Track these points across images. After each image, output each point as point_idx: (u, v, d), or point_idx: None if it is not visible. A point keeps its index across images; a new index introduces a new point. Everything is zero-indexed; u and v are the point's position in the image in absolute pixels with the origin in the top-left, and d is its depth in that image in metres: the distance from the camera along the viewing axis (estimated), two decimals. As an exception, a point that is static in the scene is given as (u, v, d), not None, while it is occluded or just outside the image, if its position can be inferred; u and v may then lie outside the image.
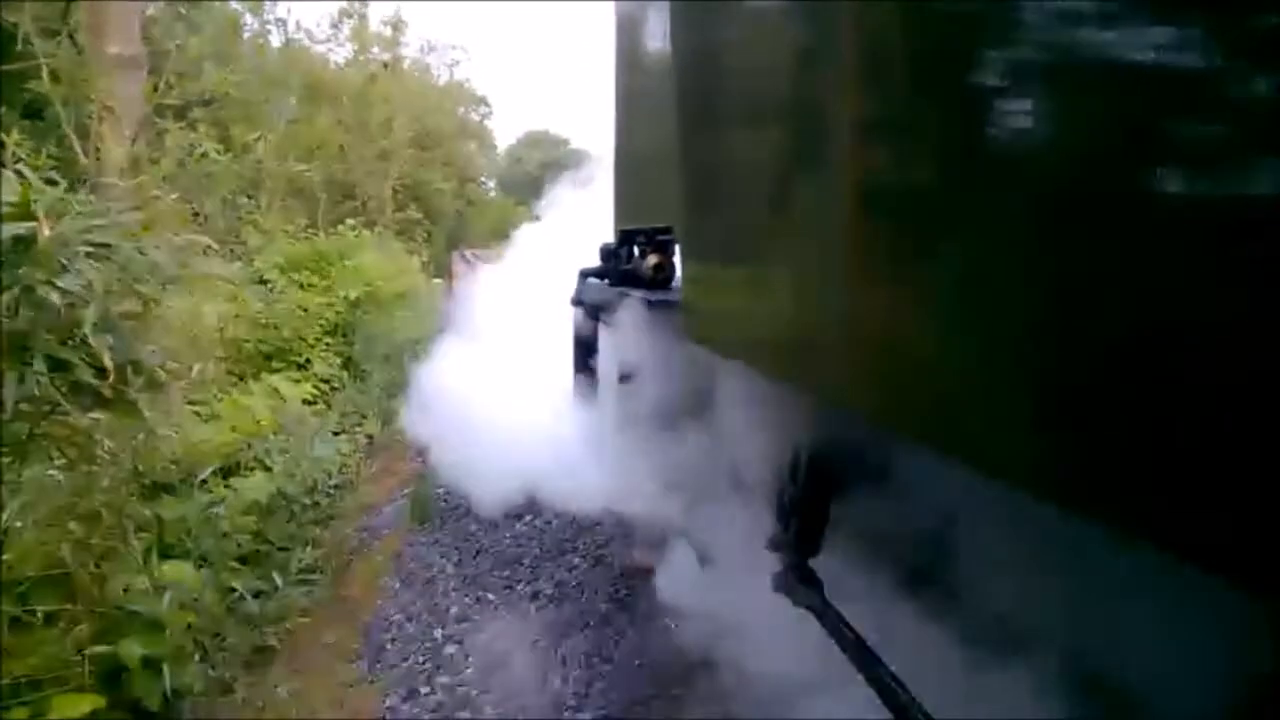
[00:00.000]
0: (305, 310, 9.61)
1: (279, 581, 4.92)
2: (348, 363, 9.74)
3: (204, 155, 6.14)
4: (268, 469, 6.64)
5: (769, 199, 2.25)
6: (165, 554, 5.20)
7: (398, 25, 25.82)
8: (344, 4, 23.44)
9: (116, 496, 4.84)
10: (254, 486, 5.57)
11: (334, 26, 22.97)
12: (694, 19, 2.86)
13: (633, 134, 4.47)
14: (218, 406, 6.93)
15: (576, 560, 4.71)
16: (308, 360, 9.18)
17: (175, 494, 5.58)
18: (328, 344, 9.59)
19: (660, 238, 4.25)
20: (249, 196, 14.37)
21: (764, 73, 2.23)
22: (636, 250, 4.59)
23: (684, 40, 3.00)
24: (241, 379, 8.57)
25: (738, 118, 2.50)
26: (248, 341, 8.86)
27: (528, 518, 5.49)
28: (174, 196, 10.68)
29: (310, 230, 13.16)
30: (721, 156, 2.66)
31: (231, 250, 11.58)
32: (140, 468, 5.10)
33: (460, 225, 30.12)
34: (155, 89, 7.91)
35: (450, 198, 29.40)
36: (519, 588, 4.71)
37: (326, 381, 9.06)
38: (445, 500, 6.29)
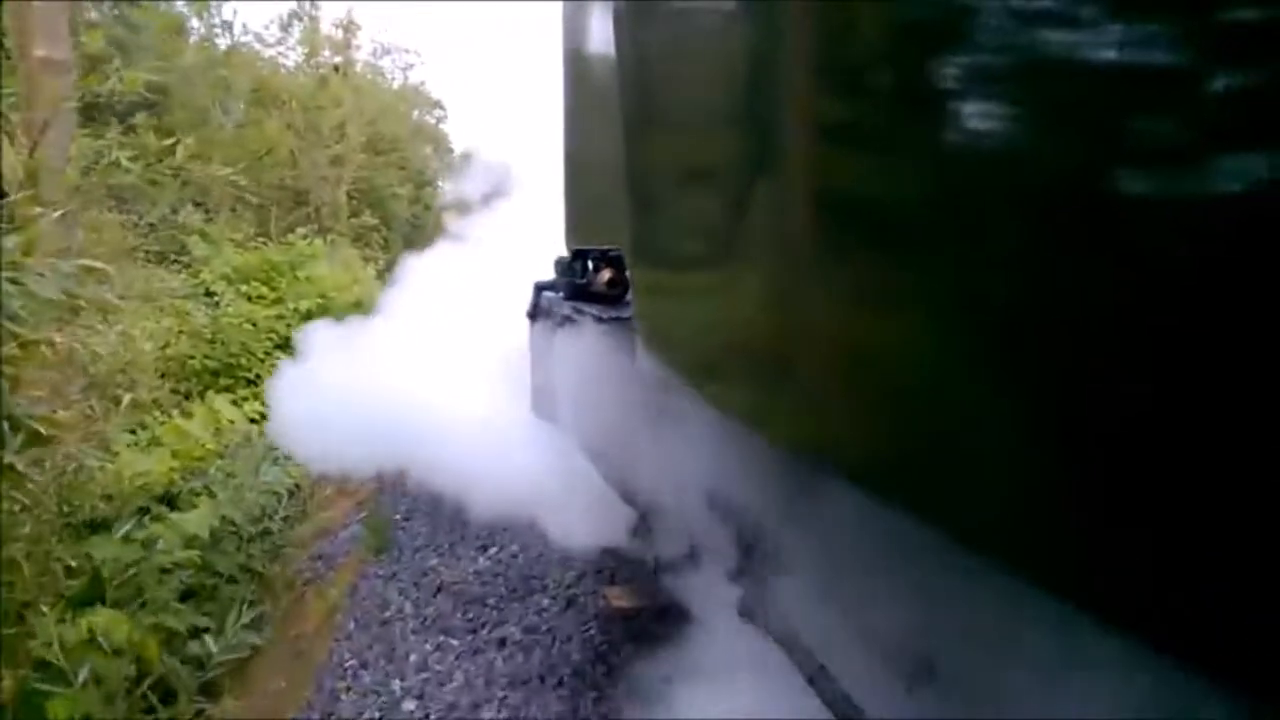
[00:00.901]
0: (254, 324, 9.09)
1: (213, 649, 4.43)
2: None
3: (113, 164, 5.58)
4: (213, 495, 6.17)
5: (717, 206, 2.16)
6: (98, 598, 4.74)
7: (349, 28, 25.09)
8: (294, 6, 22.75)
9: (38, 544, 4.37)
10: (195, 520, 5.08)
11: (284, 29, 22.29)
12: (638, 23, 2.79)
13: (582, 150, 4.34)
14: (159, 430, 6.43)
15: (546, 601, 4.27)
16: (257, 376, 8.66)
17: (111, 531, 5.09)
18: (279, 358, 9.05)
19: (613, 253, 4.13)
20: (198, 204, 13.75)
21: (711, 75, 2.15)
22: (591, 265, 4.49)
23: (629, 42, 2.93)
24: (187, 397, 8.05)
25: (685, 120, 2.43)
26: (193, 358, 8.33)
27: (492, 550, 5.05)
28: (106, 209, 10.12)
29: (261, 239, 12.57)
30: (668, 160, 2.59)
31: (175, 262, 11.00)
32: (66, 509, 4.62)
33: (416, 230, 29.50)
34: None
35: (406, 203, 28.66)
36: (484, 632, 4.27)
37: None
38: (404, 528, 5.83)
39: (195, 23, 15.54)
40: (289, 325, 9.46)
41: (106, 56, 13.89)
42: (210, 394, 8.14)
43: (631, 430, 3.46)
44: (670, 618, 3.44)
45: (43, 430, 3.54)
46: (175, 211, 11.89)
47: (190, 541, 5.25)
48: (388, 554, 5.44)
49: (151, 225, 12.78)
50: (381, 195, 26.05)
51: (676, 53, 2.46)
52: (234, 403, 7.41)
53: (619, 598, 3.92)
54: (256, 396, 8.11)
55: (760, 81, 1.85)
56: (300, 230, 12.25)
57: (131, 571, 4.94)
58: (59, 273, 3.58)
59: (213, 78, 13.13)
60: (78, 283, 3.80)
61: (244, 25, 20.52)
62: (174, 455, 5.84)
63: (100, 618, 4.44)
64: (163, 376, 7.63)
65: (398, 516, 6.12)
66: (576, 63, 4.35)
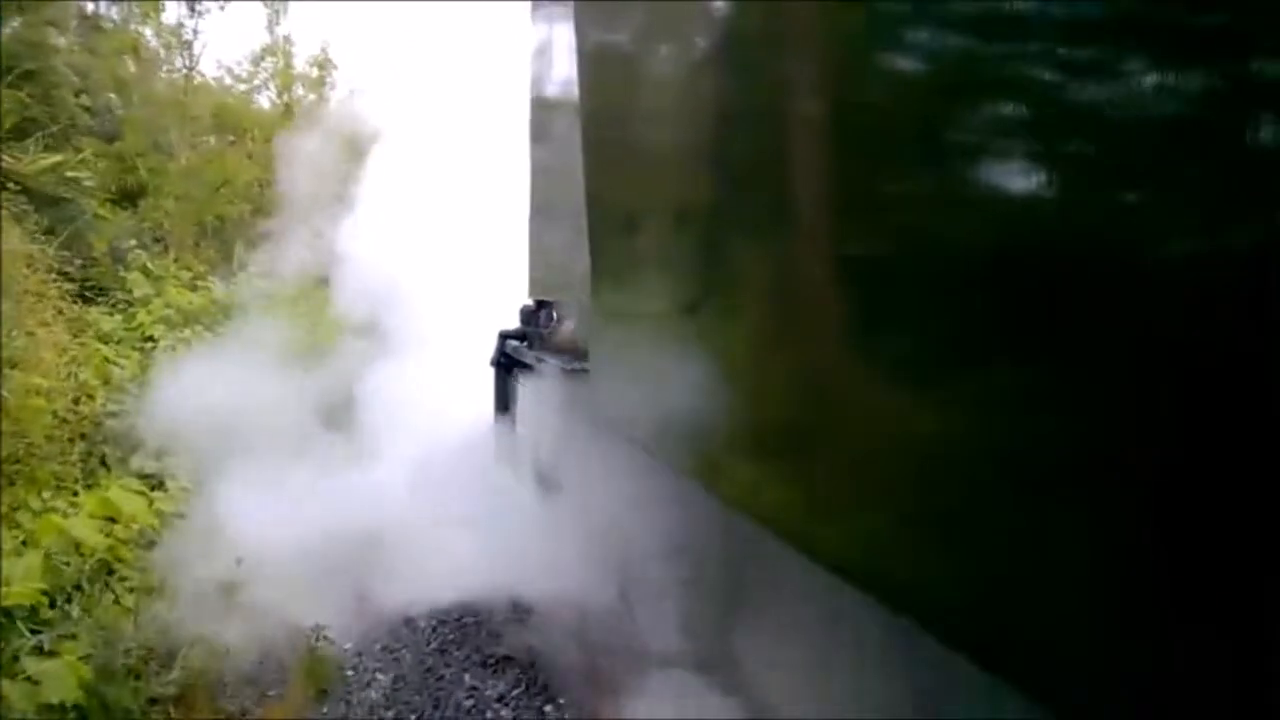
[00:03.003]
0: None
1: None
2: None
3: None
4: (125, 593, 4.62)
5: (684, 261, 2.00)
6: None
7: (324, 65, 23.73)
8: (267, 40, 21.32)
9: None
10: (55, 675, 3.48)
11: (255, 64, 20.76)
12: (603, 77, 2.65)
13: (545, 200, 4.19)
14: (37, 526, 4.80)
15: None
16: None
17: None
18: None
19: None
20: (158, 240, 12.22)
21: (677, 129, 2.02)
22: (555, 315, 4.36)
23: (593, 87, 2.75)
24: (106, 466, 6.42)
25: (651, 172, 2.23)
26: (114, 417, 6.69)
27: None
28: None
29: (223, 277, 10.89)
30: (631, 209, 2.42)
31: (121, 302, 9.41)
32: None
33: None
34: None
35: (377, 243, 27.20)
36: None
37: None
38: (355, 665, 4.26)
39: (160, 49, 14.04)
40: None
41: (65, 81, 12.53)
42: (136, 461, 6.53)
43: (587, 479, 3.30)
44: None
45: None
46: (127, 246, 10.39)
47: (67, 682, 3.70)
48: (330, 700, 3.90)
49: (94, 259, 11.27)
50: (351, 235, 24.58)
51: (642, 99, 2.29)
52: (141, 491, 5.73)
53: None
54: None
55: (739, 131, 1.66)
56: (253, 269, 10.55)
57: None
58: None
59: (169, 103, 11.61)
60: None
61: (217, 61, 18.97)
62: (50, 562, 4.21)
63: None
64: (70, 441, 6.05)
65: (348, 647, 4.52)
66: (542, 111, 4.22)
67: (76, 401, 6.35)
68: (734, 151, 1.67)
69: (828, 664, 1.71)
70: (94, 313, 9.03)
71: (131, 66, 12.46)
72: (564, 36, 3.46)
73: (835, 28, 1.36)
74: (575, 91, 3.04)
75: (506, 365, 5.07)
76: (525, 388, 4.67)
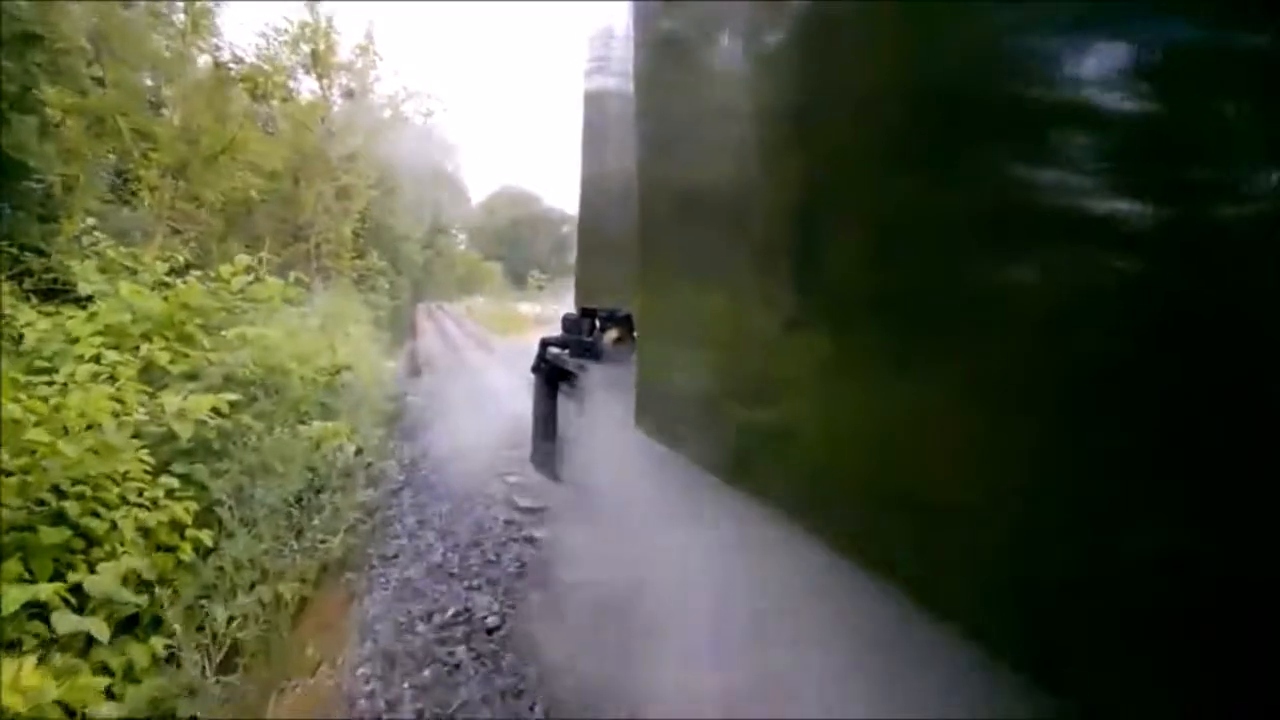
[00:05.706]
0: (127, 413, 4.44)
1: None
2: (207, 521, 4.52)
3: None
4: None
5: (737, 283, 1.83)
6: None
7: (367, 52, 21.03)
8: (307, 19, 18.66)
9: None
10: None
11: (292, 45, 17.99)
12: (660, 94, 2.43)
13: (596, 215, 3.92)
14: None
15: None
16: (114, 526, 3.97)
17: None
18: (167, 487, 4.36)
19: (620, 313, 3.74)
20: (177, 231, 9.45)
21: (731, 150, 1.83)
22: (598, 323, 4.18)
23: (649, 112, 2.51)
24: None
25: (712, 174, 1.99)
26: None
27: None
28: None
29: (197, 270, 7.89)
30: (686, 227, 2.19)
31: (83, 303, 6.50)
32: None
33: (427, 276, 25.28)
34: None
35: (419, 247, 24.50)
36: None
37: (148, 585, 3.79)
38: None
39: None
40: (205, 418, 4.80)
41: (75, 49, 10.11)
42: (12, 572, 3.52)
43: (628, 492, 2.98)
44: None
45: None
46: (84, 228, 7.59)
47: None
48: None
49: (58, 248, 8.58)
50: (391, 236, 21.94)
51: (705, 94, 2.02)
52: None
53: None
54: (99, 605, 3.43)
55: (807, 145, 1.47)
56: (240, 259, 7.27)
57: None
58: None
59: (162, 56, 8.74)
60: None
61: (255, 47, 16.23)
62: None
63: None
64: None
65: None
66: (594, 109, 3.91)
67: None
68: (817, 151, 1.43)
69: None
70: (29, 314, 6.13)
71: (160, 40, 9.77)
72: (621, 31, 3.27)
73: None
74: (630, 88, 2.73)
75: (548, 373, 4.71)
76: (566, 395, 4.35)
